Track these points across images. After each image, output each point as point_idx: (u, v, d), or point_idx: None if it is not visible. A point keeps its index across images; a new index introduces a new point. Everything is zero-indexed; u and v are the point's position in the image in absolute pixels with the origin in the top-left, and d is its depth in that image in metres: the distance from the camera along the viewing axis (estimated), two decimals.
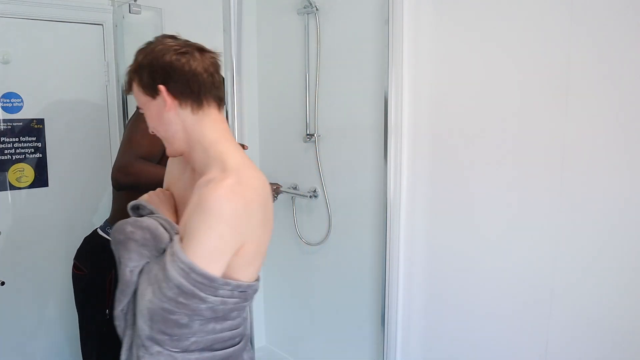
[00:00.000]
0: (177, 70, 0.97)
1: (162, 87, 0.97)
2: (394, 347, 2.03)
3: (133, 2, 2.04)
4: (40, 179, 2.01)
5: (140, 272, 0.95)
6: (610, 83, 1.38)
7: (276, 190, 2.33)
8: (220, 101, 1.03)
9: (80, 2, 2.01)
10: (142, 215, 1.02)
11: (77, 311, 1.75)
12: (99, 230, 1.64)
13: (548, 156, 1.53)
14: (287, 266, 2.59)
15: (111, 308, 1.52)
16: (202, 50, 1.03)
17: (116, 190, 1.57)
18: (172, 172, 1.17)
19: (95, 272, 1.55)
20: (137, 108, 1.62)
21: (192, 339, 0.94)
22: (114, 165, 1.52)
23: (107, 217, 1.74)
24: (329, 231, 2.29)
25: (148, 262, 0.95)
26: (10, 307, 2.01)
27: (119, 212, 1.66)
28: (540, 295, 1.59)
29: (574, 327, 1.53)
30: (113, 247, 0.98)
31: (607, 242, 1.43)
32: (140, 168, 1.46)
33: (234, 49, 1.32)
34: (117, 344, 1.53)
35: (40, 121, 1.98)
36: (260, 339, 2.77)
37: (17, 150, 1.95)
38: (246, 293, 0.98)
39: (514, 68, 1.58)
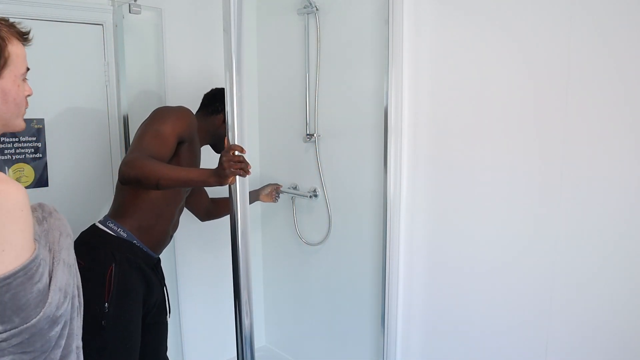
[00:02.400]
0: None
1: None
2: (394, 347, 2.03)
3: (133, 2, 2.04)
4: (40, 179, 2.01)
5: None
6: (611, 81, 1.38)
7: (276, 189, 2.33)
8: None
9: (80, 2, 2.01)
10: None
11: None
12: (98, 224, 1.65)
13: (548, 156, 1.53)
14: (287, 266, 2.59)
15: (110, 302, 1.53)
16: None
17: (121, 184, 1.60)
18: None
19: (95, 264, 1.55)
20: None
21: None
22: (122, 160, 1.56)
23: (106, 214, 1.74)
24: (329, 231, 2.29)
25: None
26: None
27: (120, 207, 1.67)
28: (540, 294, 1.59)
29: (574, 329, 1.53)
30: None
31: (608, 243, 1.43)
32: (145, 163, 1.47)
33: (234, 49, 1.32)
34: (115, 336, 1.51)
35: (40, 121, 1.98)
36: (260, 339, 2.77)
37: (17, 150, 1.95)
38: None
39: (514, 68, 1.58)
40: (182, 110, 1.69)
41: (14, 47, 0.94)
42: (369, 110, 2.02)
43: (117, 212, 1.67)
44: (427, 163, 1.86)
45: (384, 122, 1.90)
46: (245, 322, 1.43)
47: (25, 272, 0.82)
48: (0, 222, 0.80)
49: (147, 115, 1.70)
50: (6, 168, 1.95)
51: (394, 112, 1.88)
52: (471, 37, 1.68)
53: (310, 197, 2.33)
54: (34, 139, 1.98)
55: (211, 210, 2.13)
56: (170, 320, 1.88)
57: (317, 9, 2.19)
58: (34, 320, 0.83)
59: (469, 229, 1.76)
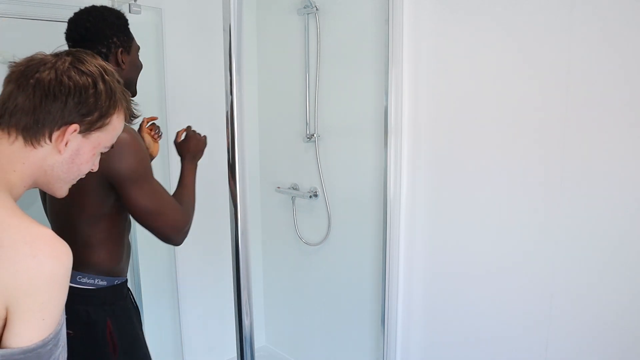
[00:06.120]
0: None
1: None
2: (394, 347, 2.03)
3: (133, 2, 2.04)
4: None
5: None
6: (611, 81, 1.38)
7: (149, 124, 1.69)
8: None
9: (80, 2, 2.01)
10: None
11: None
12: (70, 284, 1.55)
13: (548, 156, 1.53)
14: (287, 266, 2.59)
15: (119, 356, 1.39)
16: None
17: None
18: None
19: (89, 329, 1.37)
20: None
21: None
22: (165, 223, 1.30)
23: None
24: (328, 231, 2.29)
25: None
26: None
27: (82, 255, 1.33)
28: (540, 293, 1.59)
29: (574, 334, 1.53)
30: None
31: (608, 246, 1.43)
32: (177, 214, 1.34)
33: (234, 49, 1.32)
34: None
35: None
36: (260, 339, 2.77)
37: None
38: None
39: (514, 67, 1.58)
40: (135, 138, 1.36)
41: (118, 120, 0.89)
42: (369, 110, 2.02)
43: (82, 262, 1.31)
44: (427, 163, 1.86)
45: (384, 122, 1.90)
46: (245, 322, 1.42)
47: (55, 337, 0.72)
48: (49, 293, 0.69)
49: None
50: None
51: (394, 112, 1.88)
52: (471, 37, 1.68)
53: (310, 197, 2.33)
54: None
55: None
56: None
57: (317, 9, 2.19)
58: None
59: (469, 229, 1.76)
